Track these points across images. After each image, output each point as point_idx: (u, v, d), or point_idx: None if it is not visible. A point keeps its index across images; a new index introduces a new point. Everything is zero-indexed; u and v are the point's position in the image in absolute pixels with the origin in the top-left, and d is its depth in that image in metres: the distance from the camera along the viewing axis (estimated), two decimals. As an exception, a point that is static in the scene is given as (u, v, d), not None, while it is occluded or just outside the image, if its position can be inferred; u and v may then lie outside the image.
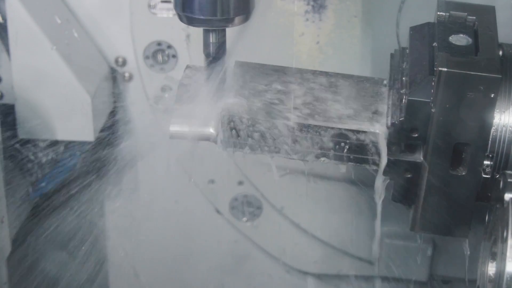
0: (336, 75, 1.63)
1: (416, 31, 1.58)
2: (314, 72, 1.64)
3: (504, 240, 1.34)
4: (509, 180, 1.41)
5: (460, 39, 1.50)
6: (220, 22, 1.49)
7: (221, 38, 1.53)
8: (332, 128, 1.53)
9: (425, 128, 1.48)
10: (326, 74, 1.64)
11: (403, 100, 1.50)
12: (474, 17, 1.54)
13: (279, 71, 1.63)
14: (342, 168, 1.59)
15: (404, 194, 1.56)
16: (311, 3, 2.15)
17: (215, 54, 1.54)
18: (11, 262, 2.05)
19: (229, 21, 1.50)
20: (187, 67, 1.63)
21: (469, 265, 1.69)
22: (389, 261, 2.38)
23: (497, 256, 1.37)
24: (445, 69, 1.43)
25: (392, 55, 1.62)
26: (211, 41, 1.53)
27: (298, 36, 2.16)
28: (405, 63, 1.57)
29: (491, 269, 1.42)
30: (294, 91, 1.58)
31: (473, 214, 1.61)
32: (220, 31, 1.53)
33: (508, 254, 1.32)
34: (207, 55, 1.55)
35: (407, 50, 1.58)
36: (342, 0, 2.14)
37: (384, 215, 2.35)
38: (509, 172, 1.45)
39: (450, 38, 1.49)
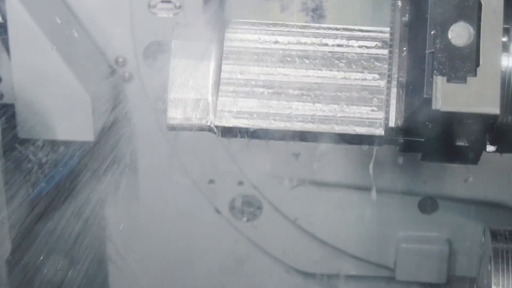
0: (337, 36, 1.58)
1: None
2: (314, 33, 1.59)
3: None
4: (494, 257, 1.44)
5: (461, 32, 1.41)
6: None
7: None
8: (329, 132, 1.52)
9: (425, 129, 1.46)
10: (326, 36, 1.58)
11: (402, 99, 1.48)
12: None
13: (277, 28, 1.59)
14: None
15: (410, 149, 1.52)
16: (310, 13, 2.15)
17: None
18: (11, 262, 2.05)
19: None
20: (175, 34, 1.59)
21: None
22: (406, 265, 2.40)
23: None
24: (440, 110, 1.38)
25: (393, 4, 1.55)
26: None
27: None
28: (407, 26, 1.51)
29: None
30: (291, 72, 1.55)
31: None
32: None
33: None
34: None
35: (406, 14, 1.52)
36: (340, 9, 2.13)
37: (399, 221, 2.37)
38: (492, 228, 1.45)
39: (450, 32, 1.42)
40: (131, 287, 2.57)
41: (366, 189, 2.34)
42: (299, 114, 1.53)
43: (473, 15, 1.42)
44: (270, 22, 1.61)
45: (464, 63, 1.39)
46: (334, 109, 1.53)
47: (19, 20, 2.06)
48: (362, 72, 1.55)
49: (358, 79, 1.55)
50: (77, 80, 2.12)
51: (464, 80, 1.38)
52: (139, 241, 2.49)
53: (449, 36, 1.41)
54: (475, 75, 1.39)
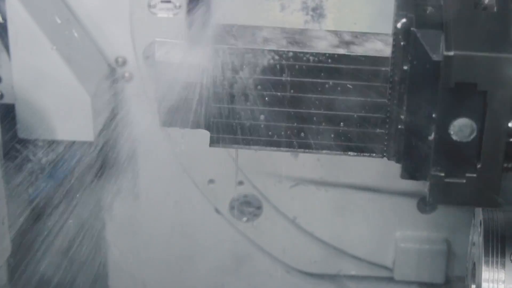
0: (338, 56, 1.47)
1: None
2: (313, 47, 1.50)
3: None
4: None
5: (463, 128, 1.31)
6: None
7: None
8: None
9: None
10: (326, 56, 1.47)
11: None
12: (486, 86, 1.29)
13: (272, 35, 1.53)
14: None
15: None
16: (310, 13, 2.15)
17: None
18: (11, 262, 2.05)
19: None
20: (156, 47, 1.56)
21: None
22: (405, 265, 2.40)
23: None
24: (436, 204, 1.34)
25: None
26: None
27: None
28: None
29: None
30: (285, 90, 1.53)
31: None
32: None
33: None
34: None
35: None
36: (340, 8, 2.13)
37: (398, 221, 2.37)
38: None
39: (451, 127, 1.32)
40: (131, 287, 2.57)
41: (365, 188, 2.34)
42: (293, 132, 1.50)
43: (477, 112, 1.32)
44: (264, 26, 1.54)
45: (464, 160, 1.33)
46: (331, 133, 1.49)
47: (19, 20, 2.06)
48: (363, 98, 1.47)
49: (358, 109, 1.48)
50: (77, 80, 2.12)
51: (463, 178, 1.33)
52: (139, 241, 2.49)
53: (450, 132, 1.34)
54: (475, 174, 1.32)
